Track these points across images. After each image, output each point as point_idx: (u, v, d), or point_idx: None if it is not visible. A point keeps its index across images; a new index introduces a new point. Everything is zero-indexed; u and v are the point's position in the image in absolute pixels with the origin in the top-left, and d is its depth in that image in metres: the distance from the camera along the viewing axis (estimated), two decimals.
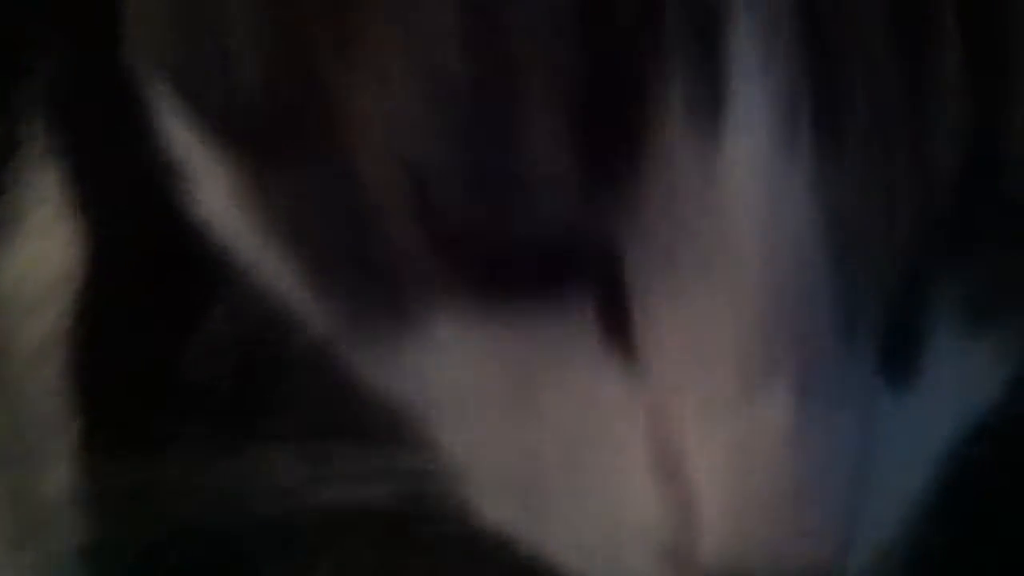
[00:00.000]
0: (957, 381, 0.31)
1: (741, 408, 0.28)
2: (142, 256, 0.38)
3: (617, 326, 0.29)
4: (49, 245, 0.40)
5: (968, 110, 0.28)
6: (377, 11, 0.29)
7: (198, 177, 0.35)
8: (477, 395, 0.31)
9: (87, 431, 0.39)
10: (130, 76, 0.36)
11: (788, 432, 0.27)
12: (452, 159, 0.29)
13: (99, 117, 0.39)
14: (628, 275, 0.29)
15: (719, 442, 0.28)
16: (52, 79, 0.40)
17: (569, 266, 0.30)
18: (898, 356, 0.30)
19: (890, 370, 0.30)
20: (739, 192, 0.27)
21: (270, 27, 0.31)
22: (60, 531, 0.40)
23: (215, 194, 0.34)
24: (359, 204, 0.30)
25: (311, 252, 0.32)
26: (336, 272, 0.32)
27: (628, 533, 0.30)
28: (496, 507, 0.32)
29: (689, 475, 0.28)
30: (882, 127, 0.27)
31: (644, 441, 0.29)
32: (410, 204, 0.29)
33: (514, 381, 0.30)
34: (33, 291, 0.40)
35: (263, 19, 0.31)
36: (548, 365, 0.30)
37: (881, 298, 0.29)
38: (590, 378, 0.30)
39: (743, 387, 0.28)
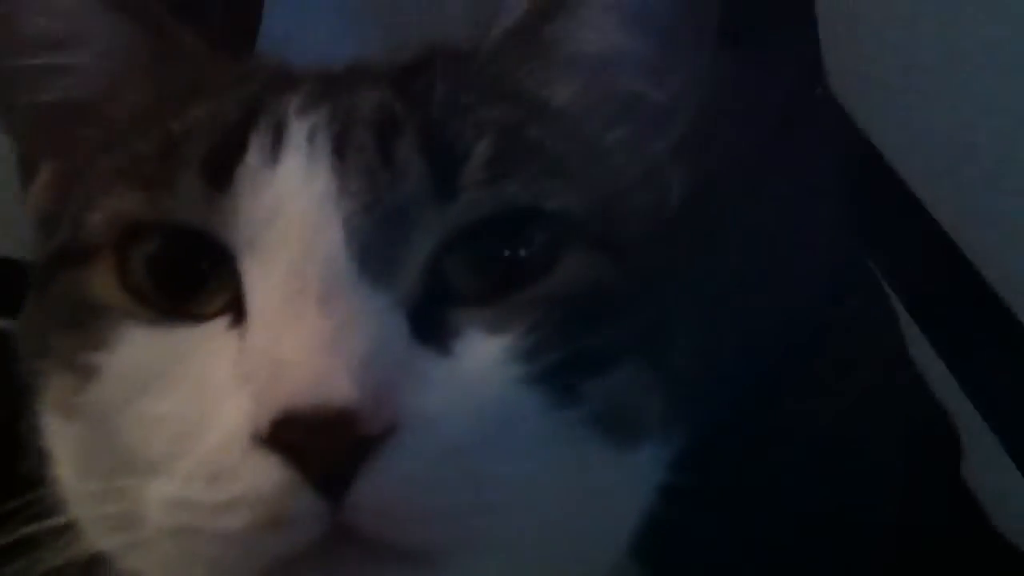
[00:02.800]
0: (479, 361, 0.46)
1: (294, 321, 0.44)
2: None
3: (238, 317, 0.46)
4: None
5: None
6: None
7: None
8: (136, 379, 0.47)
9: None
10: None
11: (321, 325, 0.43)
12: (141, 213, 0.48)
13: None
14: (240, 269, 0.46)
15: (284, 341, 0.43)
16: None
17: (209, 293, 0.47)
18: (434, 335, 0.46)
19: (431, 341, 0.46)
20: (281, 187, 0.47)
21: None
22: None
23: None
24: (87, 295, 0.49)
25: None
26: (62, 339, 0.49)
27: (219, 444, 0.43)
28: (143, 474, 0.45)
29: (262, 369, 0.43)
30: (368, 163, 0.47)
31: (238, 376, 0.44)
32: (117, 273, 0.48)
33: (159, 367, 0.47)
34: None
35: None
36: (186, 353, 0.47)
37: (398, 278, 0.46)
38: (211, 353, 0.46)
39: (298, 309, 0.44)
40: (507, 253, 0.48)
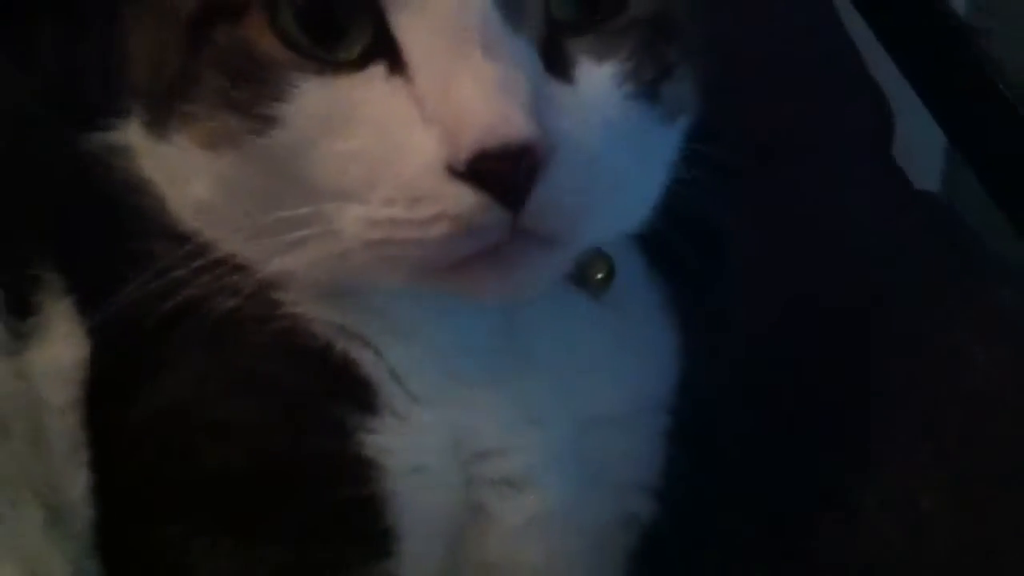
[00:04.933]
0: (596, 86, 0.56)
1: (461, 67, 0.52)
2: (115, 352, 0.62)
3: (395, 66, 0.54)
4: (67, 347, 0.63)
5: None
6: None
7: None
8: (320, 125, 0.55)
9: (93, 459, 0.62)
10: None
11: (488, 70, 0.52)
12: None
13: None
14: (391, 23, 0.54)
15: (460, 85, 0.52)
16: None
17: (370, 52, 0.54)
18: (559, 66, 0.56)
19: (557, 72, 0.55)
20: None
21: None
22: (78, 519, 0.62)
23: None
24: (253, 52, 0.56)
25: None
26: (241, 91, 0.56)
27: (417, 174, 0.53)
28: (335, 199, 0.55)
29: (448, 112, 0.52)
30: None
31: (419, 117, 0.53)
32: (272, 28, 0.55)
33: (339, 114, 0.54)
34: (60, 373, 0.63)
35: None
36: (360, 100, 0.54)
37: (528, 21, 0.54)
38: (382, 97, 0.54)
39: (460, 58, 0.52)
40: None
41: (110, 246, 0.63)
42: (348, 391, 0.61)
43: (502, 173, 0.51)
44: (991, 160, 0.94)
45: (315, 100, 0.54)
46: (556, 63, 0.55)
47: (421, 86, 0.53)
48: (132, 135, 0.64)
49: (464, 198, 0.52)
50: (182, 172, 0.60)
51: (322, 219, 0.55)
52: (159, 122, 0.60)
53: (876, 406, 0.76)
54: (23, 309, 0.62)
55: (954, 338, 0.76)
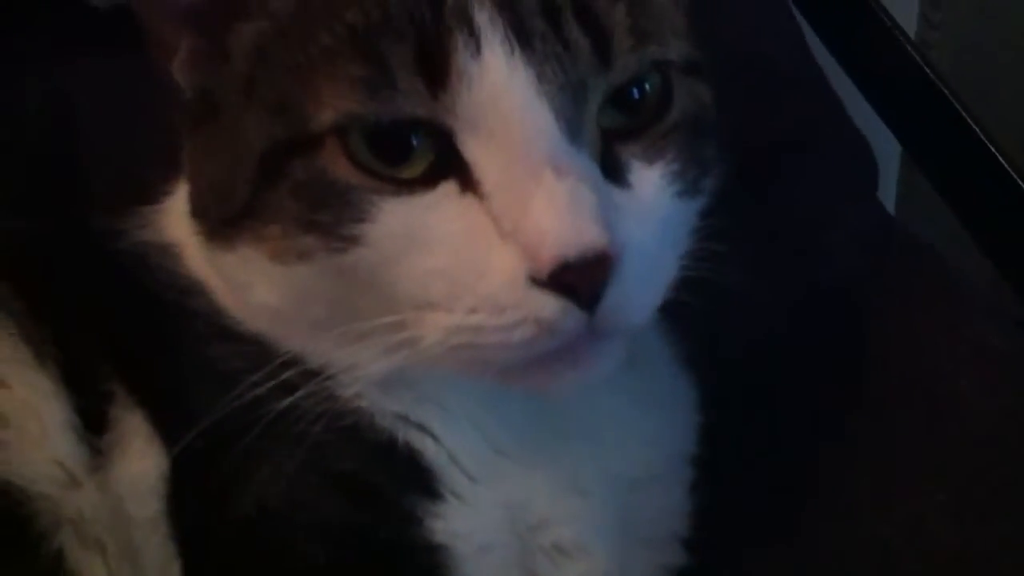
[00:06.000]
0: (649, 189, 0.61)
1: (534, 187, 0.56)
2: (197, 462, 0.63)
3: (466, 184, 0.57)
4: (146, 461, 0.63)
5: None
6: None
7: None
8: (401, 242, 0.58)
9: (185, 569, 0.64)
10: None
11: (560, 188, 0.55)
12: (370, 112, 0.57)
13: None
14: (460, 145, 0.57)
15: (536, 204, 0.55)
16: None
17: (437, 169, 0.57)
18: (615, 173, 0.59)
19: (614, 179, 0.59)
20: (493, 81, 0.56)
21: None
22: None
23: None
24: (330, 180, 0.58)
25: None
26: (323, 215, 0.59)
27: (502, 287, 0.56)
28: (418, 308, 0.58)
29: (527, 230, 0.55)
30: (551, 48, 0.57)
31: (495, 232, 0.56)
32: (346, 155, 0.57)
33: (418, 232, 0.58)
34: (144, 488, 0.63)
35: None
36: (437, 218, 0.58)
37: (586, 136, 0.58)
38: (458, 215, 0.57)
39: (532, 178, 0.56)
40: (637, 95, 0.61)
41: (170, 353, 0.65)
42: (415, 481, 0.64)
43: (581, 280, 0.55)
44: (944, 167, 1.02)
45: (394, 219, 0.57)
46: (612, 171, 0.59)
47: (497, 206, 0.56)
48: (177, 232, 0.67)
49: (547, 305, 0.56)
50: (245, 278, 0.62)
51: (404, 327, 0.58)
52: (221, 236, 0.62)
53: (874, 413, 0.82)
54: (100, 426, 0.64)
55: (946, 373, 0.82)
